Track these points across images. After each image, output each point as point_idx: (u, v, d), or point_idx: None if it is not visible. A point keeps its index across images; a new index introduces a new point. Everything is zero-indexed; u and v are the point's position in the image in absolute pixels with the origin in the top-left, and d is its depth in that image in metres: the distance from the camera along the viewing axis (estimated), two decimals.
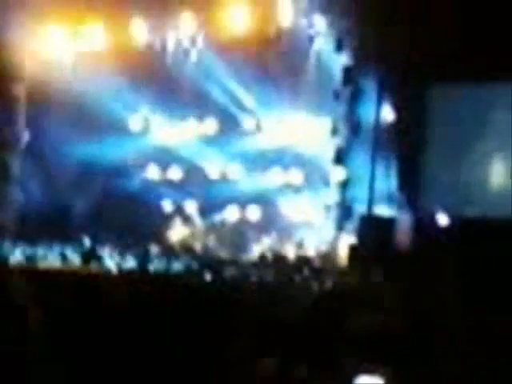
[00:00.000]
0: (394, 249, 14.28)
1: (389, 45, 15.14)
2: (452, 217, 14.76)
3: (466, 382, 4.81)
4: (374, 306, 8.65)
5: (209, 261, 15.50)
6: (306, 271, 14.03)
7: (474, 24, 14.17)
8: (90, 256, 15.64)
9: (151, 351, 5.49)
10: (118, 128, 19.41)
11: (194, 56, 18.54)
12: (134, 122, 19.60)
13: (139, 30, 18.83)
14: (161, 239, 18.01)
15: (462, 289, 10.14)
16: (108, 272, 14.23)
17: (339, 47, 16.65)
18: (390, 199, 15.89)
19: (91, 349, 4.40)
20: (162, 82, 18.66)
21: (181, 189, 19.07)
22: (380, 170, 16.08)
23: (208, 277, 12.65)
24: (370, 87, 16.43)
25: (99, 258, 15.69)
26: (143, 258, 15.49)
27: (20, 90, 19.97)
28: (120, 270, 14.42)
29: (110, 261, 15.62)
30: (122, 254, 16.13)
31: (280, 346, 5.75)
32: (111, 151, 19.23)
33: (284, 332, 6.36)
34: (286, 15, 17.22)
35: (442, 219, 14.81)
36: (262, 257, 16.32)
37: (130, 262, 15.46)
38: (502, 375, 4.92)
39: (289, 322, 6.86)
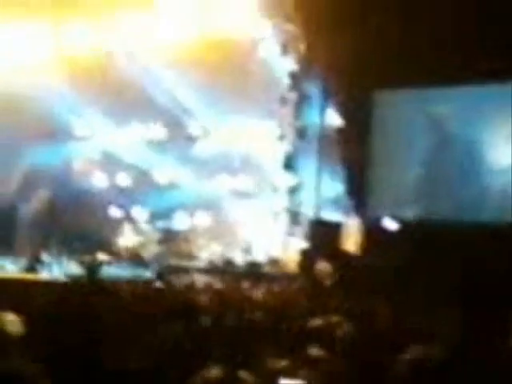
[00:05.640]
0: (342, 253, 14.37)
1: (334, 50, 15.20)
2: (399, 220, 14.92)
3: None
4: (321, 309, 8.70)
5: (157, 268, 15.40)
6: (254, 276, 14.01)
7: (418, 29, 14.32)
8: (35, 264, 15.41)
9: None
10: (63, 134, 19.23)
11: (139, 60, 18.36)
12: (80, 128, 19.42)
13: (83, 34, 18.61)
14: (109, 246, 17.83)
15: (411, 291, 10.23)
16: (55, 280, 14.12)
17: (284, 52, 16.67)
18: (337, 204, 15.97)
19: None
20: (108, 87, 18.44)
21: (128, 195, 18.92)
22: (327, 175, 16.17)
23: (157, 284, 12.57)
24: (316, 92, 16.50)
25: (45, 266, 15.46)
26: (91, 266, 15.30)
27: None
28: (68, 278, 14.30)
29: (57, 268, 15.43)
30: (70, 261, 15.96)
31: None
32: (58, 157, 19.05)
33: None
34: (231, 19, 17.17)
35: (389, 223, 14.95)
36: (211, 263, 16.23)
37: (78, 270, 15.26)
38: None
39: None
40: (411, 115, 15.88)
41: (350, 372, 4.98)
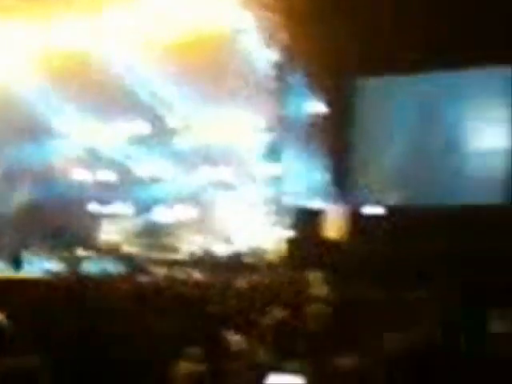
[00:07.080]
0: (325, 240, 14.31)
1: (316, 38, 15.10)
2: (380, 206, 14.88)
3: None
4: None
5: (140, 261, 15.30)
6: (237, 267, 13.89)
7: (400, 19, 14.26)
8: (16, 261, 15.23)
9: None
10: (45, 130, 19.12)
11: (120, 57, 18.20)
12: (62, 125, 19.30)
13: (65, 32, 18.41)
14: (91, 241, 17.72)
15: (391, 276, 10.14)
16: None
17: (266, 42, 16.54)
18: (321, 192, 15.89)
19: None
20: (90, 83, 18.25)
21: (111, 190, 18.81)
22: (310, 164, 16.07)
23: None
24: (298, 82, 16.39)
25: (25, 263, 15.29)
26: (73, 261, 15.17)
27: None
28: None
29: (39, 265, 15.26)
30: (51, 258, 15.83)
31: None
32: (39, 154, 18.92)
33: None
34: (210, 12, 17.01)
35: (371, 209, 14.91)
36: (193, 255, 16.11)
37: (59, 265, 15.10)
38: None
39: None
40: (393, 102, 15.82)
41: None
